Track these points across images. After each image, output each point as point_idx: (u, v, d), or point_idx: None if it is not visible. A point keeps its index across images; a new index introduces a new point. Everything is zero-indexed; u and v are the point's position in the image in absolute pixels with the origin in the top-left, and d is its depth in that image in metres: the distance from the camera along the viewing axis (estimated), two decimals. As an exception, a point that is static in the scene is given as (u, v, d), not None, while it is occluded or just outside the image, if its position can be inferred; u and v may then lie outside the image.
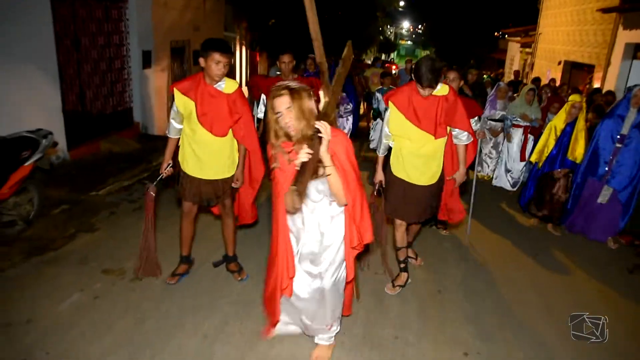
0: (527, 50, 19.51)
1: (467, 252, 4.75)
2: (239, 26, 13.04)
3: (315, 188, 2.49)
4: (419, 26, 47.07)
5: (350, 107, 6.93)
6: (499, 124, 7.00)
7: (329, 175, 2.36)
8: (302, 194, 2.08)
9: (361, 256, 3.77)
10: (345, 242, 2.65)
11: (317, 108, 4.81)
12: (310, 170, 2.20)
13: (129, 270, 3.91)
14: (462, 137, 3.66)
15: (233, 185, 3.56)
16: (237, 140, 3.49)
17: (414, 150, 3.56)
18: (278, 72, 8.17)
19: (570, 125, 5.19)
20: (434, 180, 3.64)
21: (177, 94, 3.34)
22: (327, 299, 2.69)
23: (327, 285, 2.65)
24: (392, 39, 44.27)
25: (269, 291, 2.80)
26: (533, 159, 5.61)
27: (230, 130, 3.41)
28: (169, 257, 3.98)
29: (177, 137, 3.55)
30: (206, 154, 3.41)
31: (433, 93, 3.43)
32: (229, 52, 3.24)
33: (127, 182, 6.31)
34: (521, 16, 21.26)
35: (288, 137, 2.43)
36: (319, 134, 2.24)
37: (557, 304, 3.86)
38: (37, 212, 4.53)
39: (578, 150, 5.13)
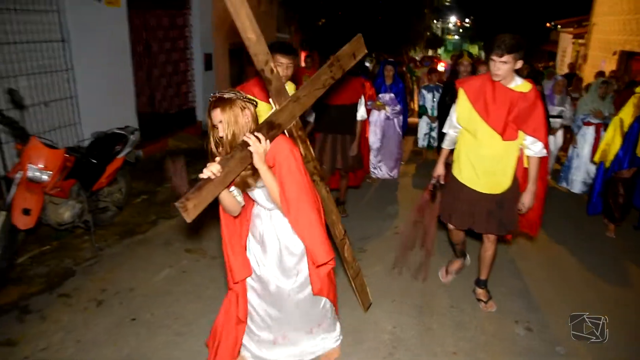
0: (580, 41, 19.04)
1: (517, 239, 4.88)
2: (290, 27, 13.55)
3: (264, 195, 2.39)
4: (466, 20, 46.24)
5: (398, 108, 6.74)
6: (558, 121, 6.50)
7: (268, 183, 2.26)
8: (189, 210, 1.89)
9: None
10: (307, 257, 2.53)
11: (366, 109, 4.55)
12: (212, 188, 2.01)
13: (209, 250, 4.42)
14: (534, 148, 3.15)
15: None
16: None
17: (475, 147, 3.19)
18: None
19: (639, 120, 4.77)
20: (497, 191, 3.21)
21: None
22: (294, 309, 2.61)
23: (291, 301, 2.58)
24: (439, 34, 43.75)
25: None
26: (596, 158, 5.21)
27: None
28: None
29: None
30: None
31: (512, 87, 3.06)
32: (291, 54, 3.25)
33: (195, 175, 6.85)
34: (574, 6, 20.73)
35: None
36: (248, 147, 2.12)
37: (603, 284, 4.06)
38: (125, 200, 5.12)
39: None
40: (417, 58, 17.55)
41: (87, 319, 3.33)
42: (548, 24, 25.59)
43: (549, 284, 4.03)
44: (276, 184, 2.24)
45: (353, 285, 3.27)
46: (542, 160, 3.26)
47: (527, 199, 3.22)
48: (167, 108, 8.42)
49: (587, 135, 6.26)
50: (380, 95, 6.61)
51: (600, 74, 9.92)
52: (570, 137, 6.77)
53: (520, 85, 3.08)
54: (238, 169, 2.13)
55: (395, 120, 6.83)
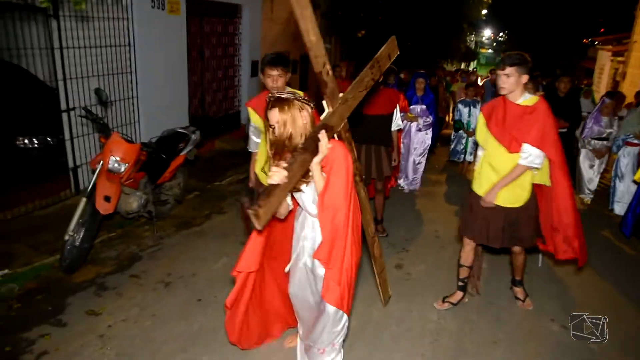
0: (619, 59, 18.89)
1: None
2: (331, 38, 13.95)
3: (312, 199, 2.39)
4: (501, 34, 45.93)
5: (430, 119, 6.69)
6: (605, 143, 6.43)
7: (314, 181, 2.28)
8: (260, 217, 1.84)
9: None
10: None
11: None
12: (279, 194, 1.98)
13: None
14: (524, 159, 3.21)
15: None
16: None
17: (493, 163, 3.34)
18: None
19: None
20: (516, 204, 3.33)
21: (250, 111, 3.56)
22: (323, 319, 2.52)
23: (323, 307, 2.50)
24: (473, 47, 43.59)
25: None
26: (637, 177, 5.17)
27: None
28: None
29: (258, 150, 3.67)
30: None
31: (520, 102, 3.22)
32: (278, 65, 3.25)
33: (243, 175, 7.26)
34: (613, 23, 20.57)
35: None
36: (318, 148, 2.15)
37: (633, 293, 4.21)
38: (183, 195, 5.52)
39: None
40: (452, 70, 17.74)
41: (157, 298, 3.70)
42: (585, 40, 25.35)
43: (583, 289, 4.23)
44: (320, 182, 2.26)
45: (377, 279, 3.36)
46: (557, 170, 3.26)
47: (488, 196, 3.32)
48: (215, 111, 8.87)
49: (629, 156, 6.22)
50: (411, 107, 6.60)
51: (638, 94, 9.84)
52: (609, 157, 6.71)
53: (527, 99, 3.24)
54: (300, 173, 2.14)
55: (425, 132, 6.79)
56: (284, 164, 2.02)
